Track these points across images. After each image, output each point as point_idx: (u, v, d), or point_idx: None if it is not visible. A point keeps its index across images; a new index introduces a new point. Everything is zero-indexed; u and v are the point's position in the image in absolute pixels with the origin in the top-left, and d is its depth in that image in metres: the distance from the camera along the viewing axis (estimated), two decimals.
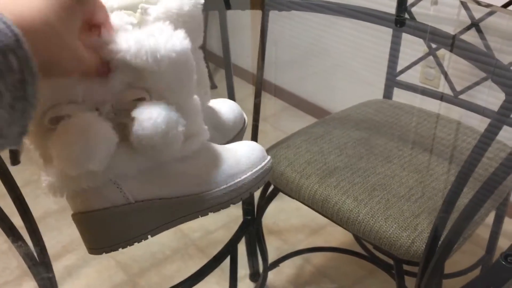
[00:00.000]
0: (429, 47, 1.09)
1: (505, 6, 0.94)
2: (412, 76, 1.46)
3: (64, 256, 1.33)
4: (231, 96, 0.94)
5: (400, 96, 1.14)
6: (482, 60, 0.84)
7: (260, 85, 0.92)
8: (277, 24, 1.95)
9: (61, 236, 1.39)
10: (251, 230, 1.04)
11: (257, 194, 0.99)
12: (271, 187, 0.95)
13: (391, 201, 0.78)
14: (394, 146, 0.92)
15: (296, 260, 1.30)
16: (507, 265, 0.32)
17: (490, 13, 0.98)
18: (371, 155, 0.89)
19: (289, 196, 0.90)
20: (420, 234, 0.72)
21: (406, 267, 0.80)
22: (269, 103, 2.13)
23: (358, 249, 1.27)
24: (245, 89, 2.17)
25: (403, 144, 0.93)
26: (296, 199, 0.88)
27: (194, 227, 1.40)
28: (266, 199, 0.97)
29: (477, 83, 1.01)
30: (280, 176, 0.88)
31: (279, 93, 2.14)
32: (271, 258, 1.25)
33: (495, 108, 0.88)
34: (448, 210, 0.62)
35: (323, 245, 1.36)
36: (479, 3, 1.03)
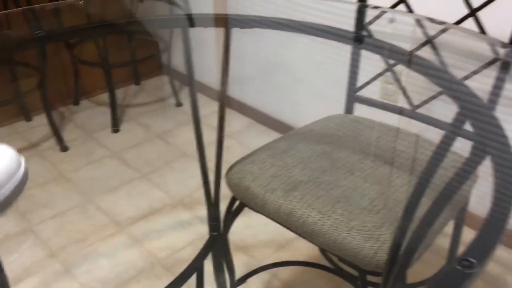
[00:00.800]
0: (387, 63, 1.12)
1: (458, 23, 0.99)
2: (372, 92, 1.50)
3: (25, 279, 1.28)
4: (196, 112, 0.94)
5: (361, 111, 1.17)
6: (437, 75, 0.87)
7: (224, 101, 0.93)
8: (242, 41, 1.97)
9: (22, 258, 1.35)
10: (218, 247, 1.04)
11: (223, 210, 0.99)
12: (237, 203, 0.95)
13: (354, 213, 0.80)
14: (356, 159, 0.94)
15: (264, 275, 1.30)
16: (462, 269, 0.33)
17: (443, 30, 1.02)
18: (334, 168, 0.91)
19: (255, 210, 0.90)
20: (383, 245, 0.74)
21: (372, 278, 0.82)
22: (234, 120, 2.14)
23: (324, 262, 1.28)
24: (210, 106, 2.18)
25: (365, 157, 0.95)
26: (262, 214, 0.89)
27: (160, 246, 1.38)
28: (232, 215, 0.97)
29: (433, 97, 1.05)
30: (245, 191, 0.89)
31: (244, 109, 2.16)
32: (239, 274, 1.25)
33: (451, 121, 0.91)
34: (408, 220, 0.64)
35: (290, 259, 1.36)
36: (433, 21, 1.08)
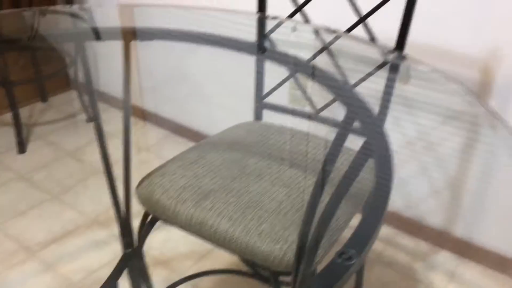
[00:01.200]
0: (290, 70, 1.17)
1: (349, 30, 1.05)
2: (280, 98, 1.55)
3: None
4: (99, 126, 0.92)
5: (272, 117, 1.21)
6: (331, 81, 0.92)
7: (128, 112, 0.91)
8: (153, 53, 1.95)
9: None
10: (134, 264, 1.02)
11: (136, 225, 0.97)
12: (150, 216, 0.94)
13: (263, 216, 0.82)
14: (264, 164, 0.97)
15: (185, 287, 1.29)
16: (341, 262, 0.36)
17: (338, 38, 1.08)
18: (243, 174, 0.93)
19: (168, 223, 0.89)
20: (291, 245, 0.77)
21: (287, 278, 0.84)
22: (151, 133, 2.11)
23: (245, 268, 1.30)
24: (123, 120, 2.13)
25: (273, 161, 0.98)
26: (175, 226, 0.88)
27: (75, 269, 1.33)
28: (146, 229, 0.96)
29: (333, 101, 1.11)
30: (156, 205, 0.88)
31: (160, 122, 2.13)
32: None
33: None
34: (310, 217, 0.67)
35: (211, 269, 1.36)
36: (329, 30, 1.14)
